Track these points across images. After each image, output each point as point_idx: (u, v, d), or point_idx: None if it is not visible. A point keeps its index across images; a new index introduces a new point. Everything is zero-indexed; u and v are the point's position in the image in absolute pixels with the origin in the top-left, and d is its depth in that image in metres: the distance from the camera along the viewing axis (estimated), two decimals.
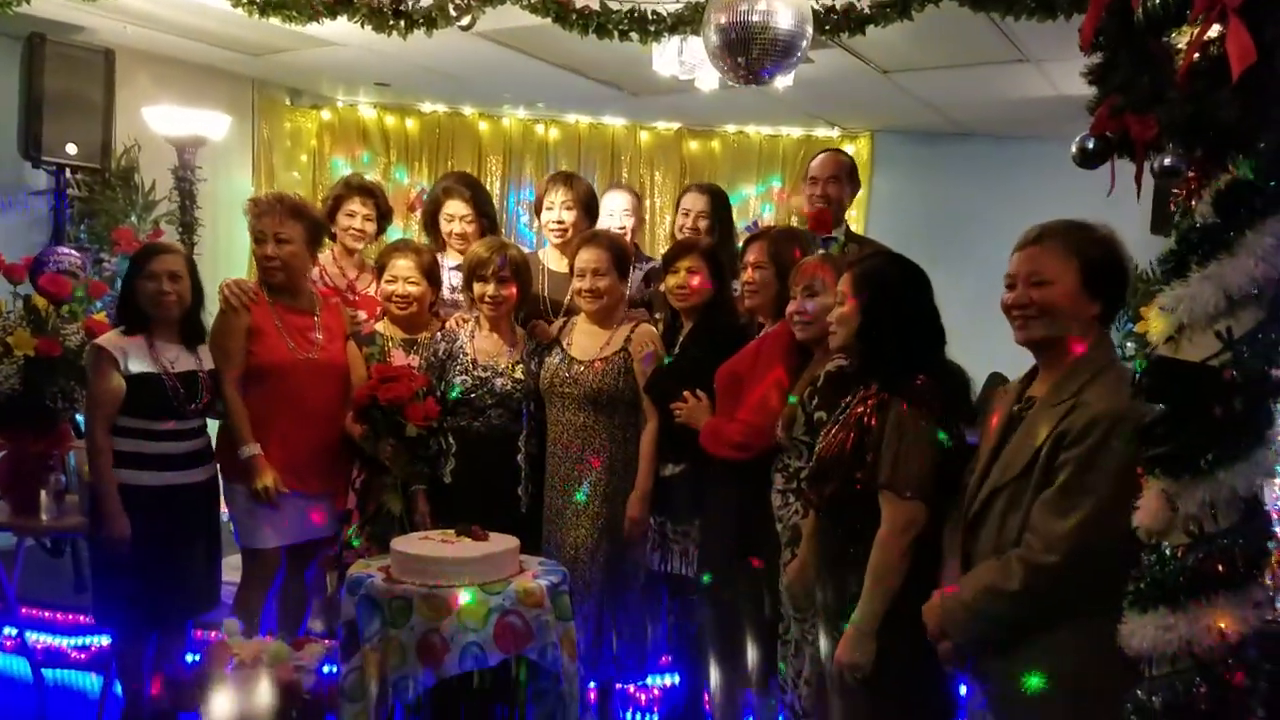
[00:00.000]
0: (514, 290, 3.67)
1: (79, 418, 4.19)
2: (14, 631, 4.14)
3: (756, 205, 7.76)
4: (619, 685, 3.82)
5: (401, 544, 3.13)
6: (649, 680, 3.91)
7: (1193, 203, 1.73)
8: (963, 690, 2.59)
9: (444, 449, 3.61)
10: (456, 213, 4.28)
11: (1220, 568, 1.56)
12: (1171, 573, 1.61)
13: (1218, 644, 1.57)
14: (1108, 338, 2.20)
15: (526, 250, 4.08)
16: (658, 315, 3.99)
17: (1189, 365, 1.62)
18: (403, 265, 3.91)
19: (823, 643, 2.65)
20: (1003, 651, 2.14)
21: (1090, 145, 1.90)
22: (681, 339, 3.65)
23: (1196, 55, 1.59)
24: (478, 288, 3.64)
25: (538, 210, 4.31)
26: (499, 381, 3.62)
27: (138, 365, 3.35)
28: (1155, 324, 1.70)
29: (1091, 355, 2.14)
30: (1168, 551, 1.64)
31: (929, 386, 2.41)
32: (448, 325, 3.87)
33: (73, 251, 4.61)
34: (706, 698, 3.52)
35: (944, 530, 2.36)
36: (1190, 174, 1.74)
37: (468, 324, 3.78)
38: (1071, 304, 2.12)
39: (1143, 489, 1.74)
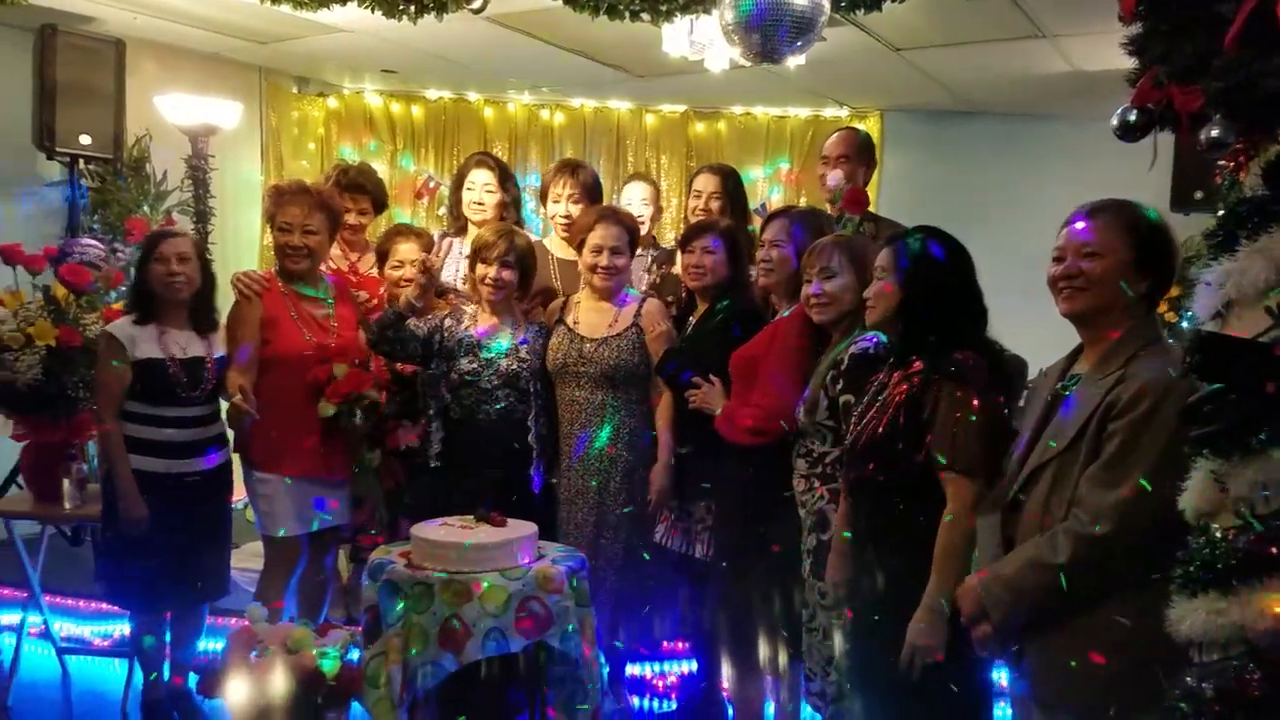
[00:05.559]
0: (515, 277, 3.67)
1: None
2: (38, 619, 4.16)
3: (764, 187, 7.69)
4: (636, 667, 3.83)
5: (421, 530, 3.12)
6: (666, 666, 3.90)
7: (1240, 175, 1.69)
8: (997, 676, 2.55)
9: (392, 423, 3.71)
10: (479, 180, 4.24)
11: (1273, 550, 1.52)
12: (1221, 555, 1.57)
13: (1272, 628, 1.54)
14: (1153, 315, 2.17)
15: (533, 237, 4.05)
16: (669, 298, 3.94)
17: (1239, 341, 1.59)
18: (406, 249, 3.96)
19: (850, 627, 2.60)
20: (1045, 629, 2.10)
21: (1132, 118, 1.86)
22: (695, 319, 3.62)
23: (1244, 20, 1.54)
24: (480, 269, 3.64)
25: (543, 199, 4.28)
26: (503, 363, 3.62)
27: (145, 351, 3.37)
28: (1201, 300, 1.67)
29: (1138, 330, 2.12)
30: (1217, 534, 1.60)
31: (977, 363, 2.36)
32: (453, 308, 3.86)
33: (95, 243, 4.65)
34: (724, 684, 3.51)
35: (978, 514, 2.30)
36: (1238, 145, 1.70)
37: (470, 307, 3.76)
38: (1122, 278, 2.10)
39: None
